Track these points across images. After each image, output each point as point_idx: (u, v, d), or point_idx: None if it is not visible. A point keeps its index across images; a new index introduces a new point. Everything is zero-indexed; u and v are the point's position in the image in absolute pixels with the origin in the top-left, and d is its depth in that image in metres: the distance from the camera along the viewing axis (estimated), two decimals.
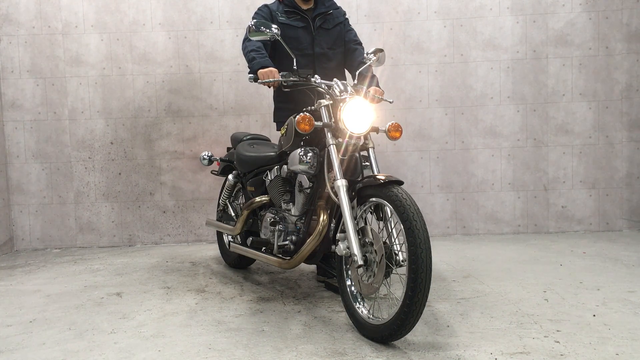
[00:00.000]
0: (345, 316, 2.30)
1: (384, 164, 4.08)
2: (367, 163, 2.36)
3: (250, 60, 2.64)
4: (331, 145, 2.22)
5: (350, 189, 2.16)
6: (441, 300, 2.53)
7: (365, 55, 2.57)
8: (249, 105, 4.23)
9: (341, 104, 2.21)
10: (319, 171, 2.34)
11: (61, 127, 4.24)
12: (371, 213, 2.17)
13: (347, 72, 3.03)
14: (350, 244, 2.03)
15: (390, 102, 2.58)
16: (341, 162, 2.24)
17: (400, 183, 2.04)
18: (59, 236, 4.29)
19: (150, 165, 4.26)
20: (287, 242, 2.52)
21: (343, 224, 2.11)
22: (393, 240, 2.04)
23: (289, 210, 2.58)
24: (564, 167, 4.22)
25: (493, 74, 4.19)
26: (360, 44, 3.01)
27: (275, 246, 2.56)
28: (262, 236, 2.75)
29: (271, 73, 2.47)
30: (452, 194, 4.25)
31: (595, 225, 4.23)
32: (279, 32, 2.40)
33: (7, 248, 4.21)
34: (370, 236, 2.08)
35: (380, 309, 2.18)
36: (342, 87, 2.31)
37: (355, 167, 2.33)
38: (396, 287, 2.42)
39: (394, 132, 2.35)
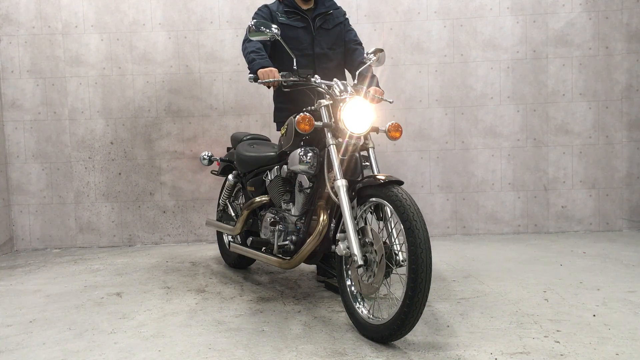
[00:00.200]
0: (345, 316, 2.30)
1: (384, 164, 4.08)
2: (367, 163, 2.36)
3: (250, 62, 2.64)
4: (331, 145, 2.22)
5: (350, 189, 2.16)
6: (441, 300, 2.53)
7: (365, 55, 2.57)
8: (249, 105, 4.23)
9: (341, 104, 2.21)
10: (319, 171, 2.34)
11: (61, 127, 4.24)
12: (371, 213, 2.17)
13: (347, 72, 3.03)
14: (350, 244, 2.03)
15: (390, 102, 2.58)
16: (341, 162, 2.24)
17: (400, 183, 2.04)
18: (59, 236, 4.29)
19: (150, 165, 4.26)
20: (287, 242, 2.52)
21: (343, 224, 2.11)
22: (393, 240, 2.04)
23: (289, 210, 2.58)
24: (564, 167, 4.22)
25: (493, 74, 4.19)
26: (360, 44, 3.01)
27: (275, 246, 2.56)
28: (262, 236, 2.75)
29: (271, 73, 2.47)
30: (452, 194, 4.25)
31: (595, 225, 4.24)
32: (279, 32, 2.40)
33: (7, 248, 4.21)
34: (370, 236, 2.08)
35: (380, 309, 2.18)
36: (342, 87, 2.31)
37: (355, 167, 2.33)
38: (396, 287, 2.42)
39: (394, 132, 2.35)
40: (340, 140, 2.25)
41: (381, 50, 2.54)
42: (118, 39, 4.20)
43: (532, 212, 4.24)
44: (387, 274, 2.00)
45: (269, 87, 2.55)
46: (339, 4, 3.04)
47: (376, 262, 2.01)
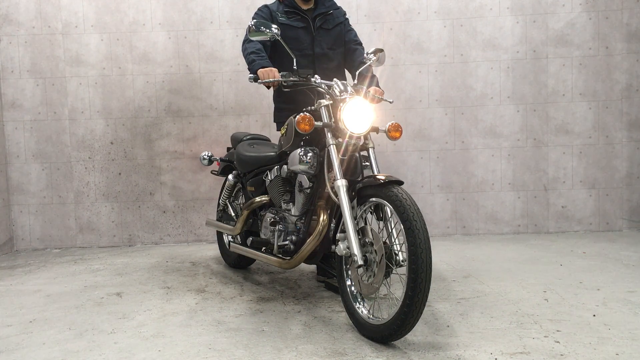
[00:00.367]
0: (345, 316, 2.30)
1: (384, 164, 4.08)
2: (367, 163, 2.36)
3: (250, 62, 2.64)
4: (331, 145, 2.22)
5: (350, 189, 2.16)
6: (441, 300, 2.53)
7: (365, 55, 2.56)
8: (249, 105, 4.23)
9: (341, 104, 2.21)
10: (319, 171, 2.34)
11: (61, 127, 4.24)
12: (371, 213, 2.17)
13: (347, 72, 3.03)
14: (350, 244, 2.03)
15: (390, 102, 2.58)
16: (341, 162, 2.24)
17: (400, 183, 2.04)
18: (59, 236, 4.29)
19: (150, 165, 4.26)
20: (287, 242, 2.52)
21: (343, 224, 2.11)
22: (393, 240, 2.04)
23: (289, 210, 2.58)
24: (564, 167, 4.22)
25: (493, 74, 4.19)
26: (360, 44, 3.00)
27: (275, 246, 2.56)
28: (262, 236, 2.75)
29: (271, 73, 2.46)
30: (452, 194, 4.25)
31: (595, 225, 4.24)
32: (279, 32, 2.40)
33: (7, 248, 4.21)
34: (370, 236, 2.08)
35: (380, 309, 2.18)
36: (342, 87, 2.31)
37: (355, 167, 2.33)
38: (396, 287, 2.42)
39: (394, 132, 2.35)
40: (340, 140, 2.25)
41: (381, 50, 2.54)
42: (118, 39, 4.20)
43: (532, 212, 4.24)
44: (387, 274, 2.00)
45: (268, 87, 2.55)
46: (339, 4, 3.04)
47: (376, 262, 2.01)
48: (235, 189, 3.37)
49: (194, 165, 4.25)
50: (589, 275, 2.92)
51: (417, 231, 1.85)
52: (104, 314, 2.47)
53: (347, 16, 3.04)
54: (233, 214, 3.36)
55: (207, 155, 3.42)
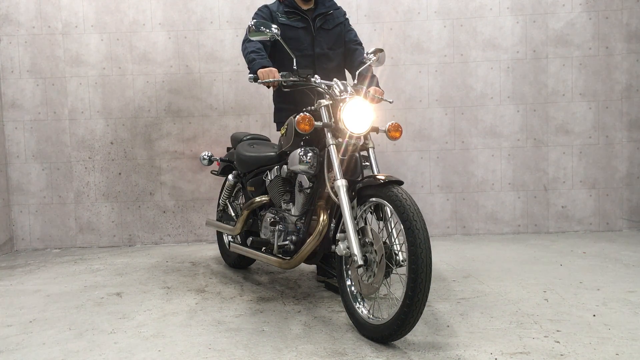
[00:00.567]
0: (345, 316, 2.30)
1: (384, 164, 4.08)
2: (367, 163, 2.36)
3: (250, 62, 2.64)
4: (331, 145, 2.22)
5: (350, 189, 2.16)
6: (441, 300, 2.53)
7: (365, 55, 2.56)
8: (249, 105, 4.23)
9: (341, 104, 2.21)
10: (319, 171, 2.34)
11: (61, 127, 4.24)
12: (371, 213, 2.17)
13: (347, 72, 3.03)
14: (350, 244, 2.03)
15: (390, 102, 2.58)
16: (341, 162, 2.24)
17: (400, 183, 2.04)
18: (59, 236, 4.29)
19: (150, 165, 4.26)
20: (287, 242, 2.52)
21: (343, 224, 2.11)
22: (393, 240, 2.04)
23: (289, 210, 2.58)
24: (564, 167, 4.22)
25: (493, 74, 4.19)
26: (360, 44, 3.00)
27: (275, 246, 2.56)
28: (262, 236, 2.75)
29: (271, 72, 2.47)
30: (452, 194, 4.25)
31: (595, 225, 4.24)
32: (279, 32, 2.40)
33: (7, 248, 4.21)
34: (370, 236, 2.08)
35: (380, 309, 2.18)
36: (342, 87, 2.31)
37: (355, 167, 2.33)
38: (396, 287, 2.42)
39: (394, 132, 2.35)
40: (340, 140, 2.25)
41: (381, 50, 2.54)
42: (118, 39, 4.20)
43: (532, 212, 4.24)
44: (387, 274, 1.99)
45: (268, 87, 2.55)
46: (339, 4, 3.04)
47: (376, 262, 2.01)
48: (235, 189, 3.37)
49: (194, 165, 4.25)
50: (589, 275, 2.92)
51: (417, 231, 1.85)
52: (104, 314, 2.47)
53: (347, 16, 3.04)
54: (233, 214, 3.36)
55: (207, 155, 3.42)
